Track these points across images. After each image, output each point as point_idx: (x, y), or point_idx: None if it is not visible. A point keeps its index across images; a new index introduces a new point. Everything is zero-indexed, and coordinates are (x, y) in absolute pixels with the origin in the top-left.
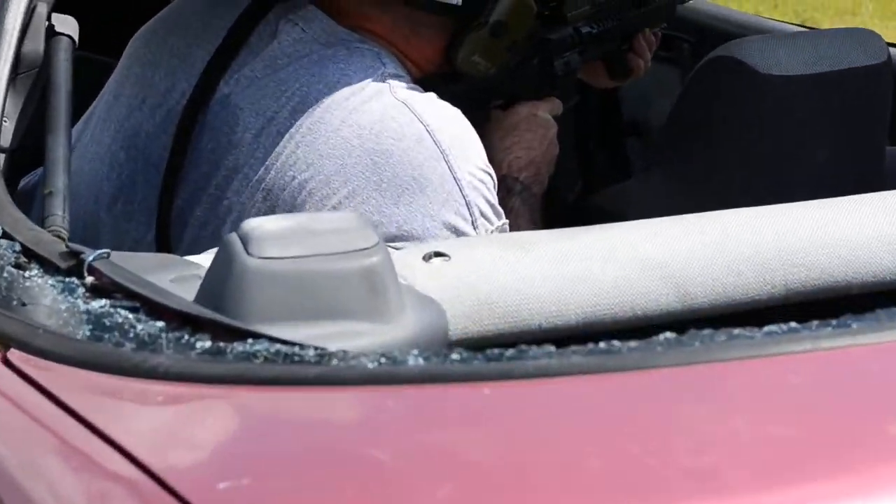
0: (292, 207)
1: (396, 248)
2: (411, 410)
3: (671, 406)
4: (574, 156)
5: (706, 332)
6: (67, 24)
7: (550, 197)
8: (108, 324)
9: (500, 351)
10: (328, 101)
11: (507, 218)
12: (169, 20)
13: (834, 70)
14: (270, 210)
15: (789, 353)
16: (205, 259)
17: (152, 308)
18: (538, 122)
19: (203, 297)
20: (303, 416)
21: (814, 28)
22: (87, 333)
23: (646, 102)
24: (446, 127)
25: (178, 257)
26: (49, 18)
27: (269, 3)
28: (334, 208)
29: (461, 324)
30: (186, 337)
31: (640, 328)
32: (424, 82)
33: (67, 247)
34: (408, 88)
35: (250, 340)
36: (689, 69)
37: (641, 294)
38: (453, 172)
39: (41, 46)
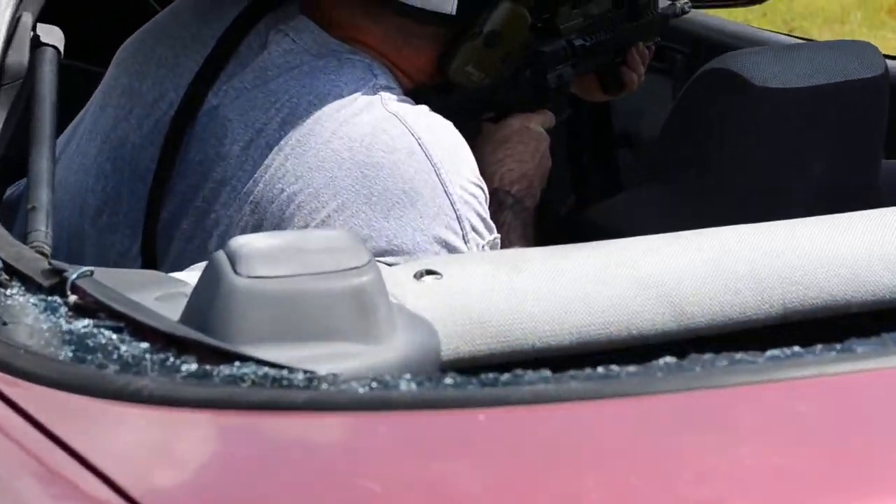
0: (280, 220)
1: (387, 265)
2: (404, 438)
3: (672, 434)
4: (566, 169)
5: (707, 356)
6: (53, 35)
7: (542, 211)
8: (91, 345)
9: (495, 376)
10: (318, 113)
11: (498, 232)
12: (157, 30)
13: (830, 83)
14: (258, 223)
15: (793, 378)
16: (191, 276)
17: (137, 328)
18: (530, 134)
19: (189, 316)
20: (291, 442)
21: (803, 37)
22: (70, 355)
23: (638, 114)
24: (438, 140)
25: (163, 274)
26: (34, 29)
27: (258, 13)
28: (323, 222)
29: (453, 344)
30: (171, 359)
31: (636, 349)
32: (416, 94)
33: (50, 264)
34: (399, 101)
35: (237, 363)
36: (682, 80)
37: (637, 313)
38: (444, 186)
39: (26, 57)
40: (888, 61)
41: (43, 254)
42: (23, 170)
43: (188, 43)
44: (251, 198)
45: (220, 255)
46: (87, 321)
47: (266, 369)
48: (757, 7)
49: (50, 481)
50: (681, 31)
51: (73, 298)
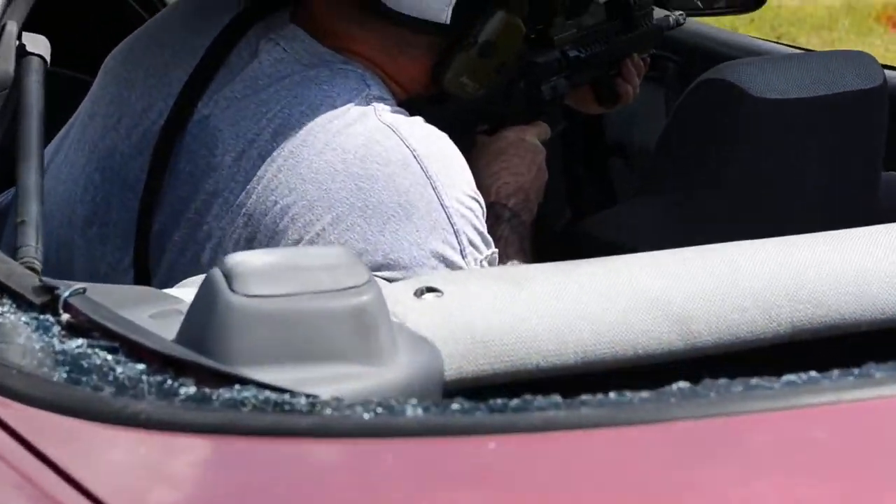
0: (274, 233)
1: (386, 281)
2: (410, 466)
3: (688, 464)
4: (562, 181)
5: (722, 381)
6: (39, 44)
7: (539, 224)
8: (85, 366)
9: (504, 401)
10: (311, 124)
11: (495, 247)
12: (146, 38)
13: (828, 94)
14: (252, 236)
15: (811, 405)
16: (185, 293)
17: (132, 349)
18: (526, 147)
19: (185, 336)
20: (294, 470)
21: (791, 45)
22: (64, 376)
23: (630, 123)
24: (433, 152)
25: (156, 290)
26: (20, 38)
27: (249, 21)
28: (318, 235)
29: (455, 363)
30: (169, 381)
31: (643, 369)
32: (410, 105)
33: (41, 281)
34: (393, 111)
35: (237, 386)
36: (675, 89)
37: (643, 332)
38: (441, 199)
39: (11, 67)
40: (886, 72)
41: (33, 270)
42: (10, 179)
43: (177, 51)
44: (244, 210)
45: (216, 272)
46: (80, 341)
47: (267, 393)
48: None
49: None
50: (673, 40)
51: (65, 317)
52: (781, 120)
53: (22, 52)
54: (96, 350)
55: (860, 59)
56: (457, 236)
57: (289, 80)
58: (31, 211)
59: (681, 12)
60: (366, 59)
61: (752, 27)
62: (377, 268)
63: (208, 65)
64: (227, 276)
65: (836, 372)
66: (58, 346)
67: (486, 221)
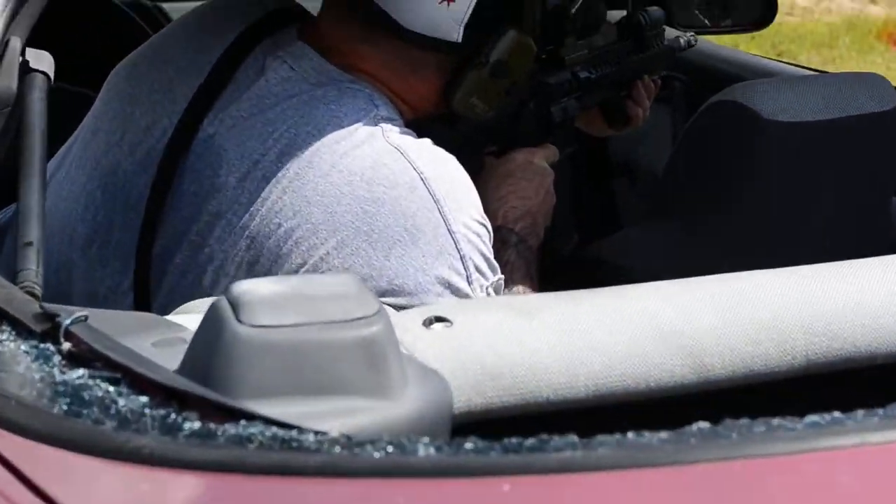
0: (278, 257)
1: (391, 307)
2: None
3: None
4: (569, 205)
5: (743, 422)
6: (43, 61)
7: (545, 248)
8: (87, 398)
9: (519, 441)
10: (317, 145)
11: (502, 272)
12: (150, 54)
13: (842, 117)
14: (255, 259)
15: (835, 447)
16: (188, 320)
17: (135, 380)
18: (535, 170)
19: (189, 366)
20: None
21: (797, 64)
22: (65, 408)
23: (636, 143)
24: (441, 175)
25: (159, 317)
26: (23, 54)
27: (256, 38)
28: (322, 259)
29: (465, 395)
30: (173, 415)
31: (655, 401)
32: (418, 126)
33: (42, 308)
34: (401, 133)
35: (243, 422)
36: (682, 109)
37: (655, 365)
38: (448, 224)
39: (14, 84)
40: None
41: (34, 295)
42: (11, 196)
43: (183, 67)
44: (247, 232)
45: (223, 301)
46: (81, 371)
47: (274, 429)
48: None
49: None
50: (679, 58)
51: (66, 346)
52: (793, 143)
53: (25, 69)
54: (98, 381)
55: (873, 82)
56: (463, 262)
57: (296, 99)
58: (33, 233)
59: (692, 33)
60: (374, 78)
61: (753, 44)
62: (382, 293)
63: (214, 82)
64: (234, 305)
65: (860, 412)
66: (58, 377)
67: (493, 246)
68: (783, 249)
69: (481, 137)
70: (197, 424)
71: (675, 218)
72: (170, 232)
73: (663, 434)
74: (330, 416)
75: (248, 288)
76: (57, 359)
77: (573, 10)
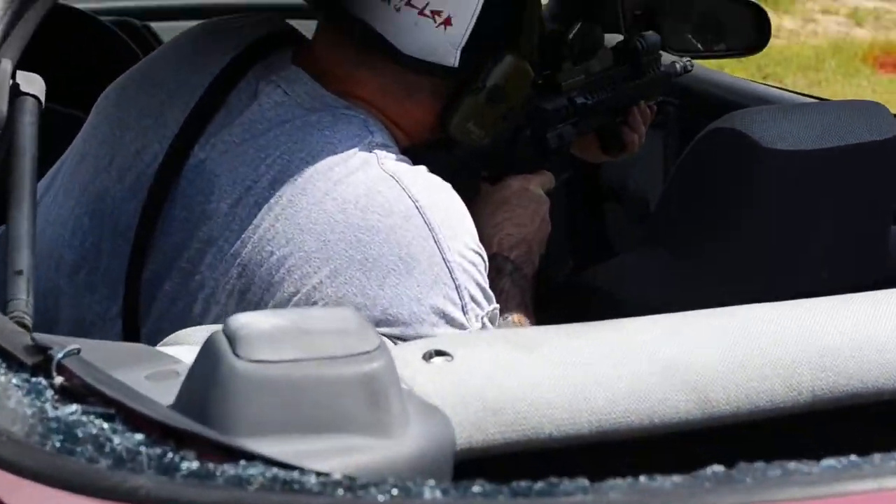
0: (270, 285)
1: (389, 339)
2: None
3: None
4: (564, 231)
5: (758, 465)
6: (34, 84)
7: (540, 275)
8: (80, 434)
9: (528, 484)
10: (311, 172)
11: (496, 301)
12: (141, 77)
13: (841, 145)
14: (246, 287)
15: (853, 493)
16: (182, 352)
17: (130, 416)
18: (530, 197)
19: (185, 402)
20: None
21: (791, 90)
22: (58, 445)
23: (626, 167)
24: (437, 203)
25: (151, 349)
26: (13, 76)
27: (249, 61)
28: (314, 288)
29: (466, 432)
30: (170, 454)
31: (659, 438)
32: (413, 152)
33: (33, 339)
34: (396, 160)
35: (243, 462)
36: (674, 133)
37: (659, 400)
38: (443, 253)
39: (4, 107)
40: None
41: (24, 326)
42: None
43: (174, 91)
44: (238, 260)
45: (219, 335)
46: (75, 407)
47: (275, 470)
48: None
49: None
50: (671, 83)
51: (59, 380)
52: (792, 171)
53: (16, 92)
54: (92, 417)
55: (872, 110)
56: (458, 291)
57: (289, 124)
58: (23, 261)
59: (688, 58)
60: (369, 104)
61: (739, 67)
62: (376, 323)
63: (206, 106)
64: (231, 339)
65: (878, 456)
66: (51, 413)
67: (488, 274)
68: (781, 278)
69: (477, 163)
70: (195, 464)
71: (671, 245)
72: (160, 258)
73: (676, 478)
74: (329, 455)
75: (245, 322)
76: (49, 393)
77: (570, 35)
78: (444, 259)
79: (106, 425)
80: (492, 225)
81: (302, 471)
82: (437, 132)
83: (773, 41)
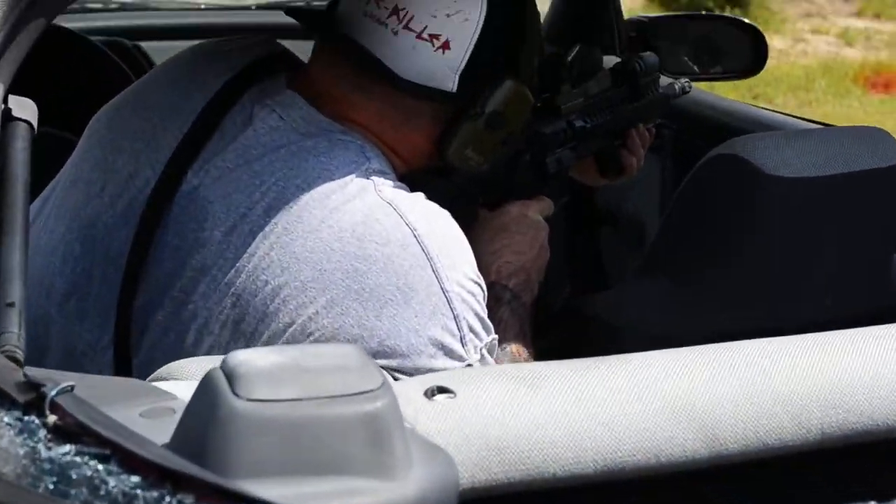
0: (264, 316)
1: (386, 371)
2: None
3: None
4: (562, 256)
5: None
6: (26, 108)
7: (537, 302)
8: (74, 476)
9: None
10: (306, 199)
11: (495, 330)
12: (134, 100)
13: (844, 172)
14: (240, 317)
15: None
16: (177, 387)
17: (125, 457)
18: (529, 223)
19: (181, 441)
20: None
21: (775, 109)
22: (51, 487)
23: (621, 190)
24: (435, 231)
25: (145, 384)
26: (5, 101)
27: (243, 85)
28: (310, 318)
29: (469, 472)
30: (167, 498)
31: (669, 479)
32: (411, 179)
33: (25, 376)
34: (394, 187)
35: None
36: (671, 157)
37: (666, 439)
38: (441, 283)
39: None
40: None
41: (16, 361)
42: None
43: (167, 115)
44: (232, 289)
45: (217, 373)
46: (68, 447)
47: None
48: None
49: None
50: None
51: (52, 419)
52: (795, 198)
53: (7, 117)
54: (86, 458)
55: (876, 137)
56: (457, 322)
57: (284, 150)
58: (14, 293)
59: (686, 80)
60: (366, 129)
61: (730, 87)
62: (373, 354)
63: (199, 131)
64: (229, 377)
65: None
66: (44, 453)
67: (486, 303)
68: (784, 305)
69: (475, 189)
70: None
71: (671, 273)
72: (152, 287)
73: None
74: (331, 498)
75: (244, 359)
76: (42, 433)
77: (569, 58)
78: (442, 289)
79: (101, 467)
80: (490, 252)
81: None
82: (435, 159)
83: None
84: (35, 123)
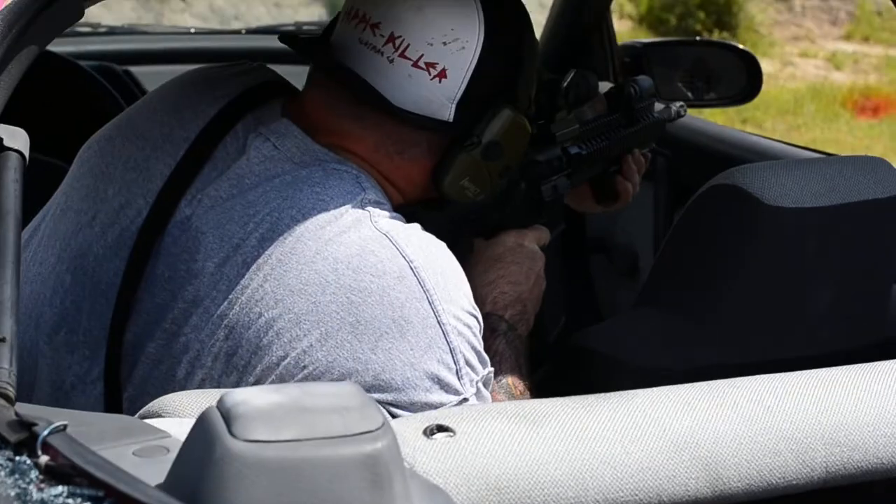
0: (257, 348)
1: (389, 412)
2: None
3: None
4: (557, 286)
5: None
6: (17, 139)
7: (532, 332)
8: None
9: None
10: (301, 230)
11: (490, 362)
12: (126, 127)
13: (844, 203)
14: (232, 350)
15: None
16: (170, 425)
17: (118, 499)
18: (525, 253)
19: (176, 482)
20: None
21: (756, 131)
22: None
23: (614, 217)
24: (431, 263)
25: (138, 421)
26: None
27: (237, 113)
28: (304, 352)
29: None
30: None
31: None
32: (406, 210)
33: (17, 415)
34: (390, 218)
35: None
36: (664, 184)
37: (668, 478)
38: (437, 315)
39: None
40: None
41: (7, 398)
42: None
43: (160, 144)
44: (225, 321)
45: (213, 412)
46: (60, 489)
47: None
48: None
49: None
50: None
51: (44, 459)
52: (795, 229)
53: None
54: (79, 501)
55: (876, 166)
56: (453, 356)
57: (279, 180)
58: (6, 328)
59: (681, 103)
60: (361, 159)
61: (718, 110)
62: (367, 388)
63: (192, 160)
64: (226, 417)
65: None
66: (35, 495)
67: (482, 334)
68: (783, 337)
69: (470, 218)
70: None
71: (669, 304)
72: (143, 319)
73: None
74: None
75: (241, 398)
76: (34, 473)
77: (565, 83)
78: (438, 322)
79: None
80: (486, 283)
81: None
82: (431, 190)
83: None
84: (27, 154)
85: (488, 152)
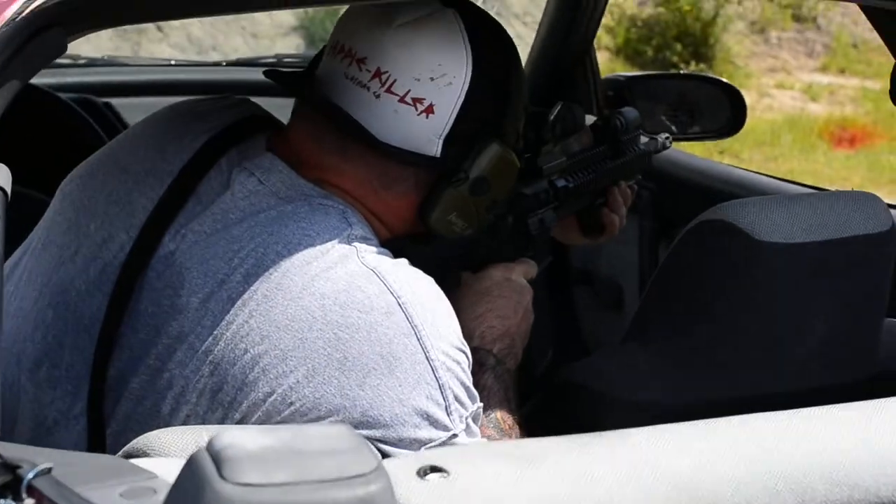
0: (243, 385)
1: (378, 448)
2: None
3: None
4: (544, 319)
5: None
6: (0, 175)
7: (520, 368)
8: None
9: None
10: (287, 265)
11: (479, 398)
12: (108, 161)
13: (835, 238)
14: (217, 387)
15: None
16: (156, 465)
17: None
18: (512, 287)
19: None
20: None
21: (733, 163)
22: None
23: (597, 250)
24: (419, 299)
25: (124, 461)
26: None
27: (222, 148)
28: (291, 388)
29: None
30: None
31: None
32: (394, 245)
33: (1, 456)
34: (377, 253)
35: None
36: (649, 217)
37: None
38: (426, 351)
39: None
40: (893, 212)
41: None
42: None
43: (142, 178)
44: (210, 357)
45: (203, 454)
46: None
47: None
48: None
49: None
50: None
51: (29, 503)
52: (786, 265)
53: None
54: None
55: (867, 202)
56: (442, 392)
57: (264, 215)
58: None
59: (667, 135)
60: (347, 194)
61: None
62: (355, 425)
63: (176, 194)
64: (216, 460)
65: None
66: None
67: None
68: (774, 372)
69: (458, 252)
70: None
71: (658, 339)
72: (126, 355)
73: None
74: None
75: (231, 441)
76: None
77: (552, 117)
78: (427, 358)
79: None
80: (474, 317)
81: None
82: (418, 226)
83: None
84: (9, 190)
85: (476, 188)
